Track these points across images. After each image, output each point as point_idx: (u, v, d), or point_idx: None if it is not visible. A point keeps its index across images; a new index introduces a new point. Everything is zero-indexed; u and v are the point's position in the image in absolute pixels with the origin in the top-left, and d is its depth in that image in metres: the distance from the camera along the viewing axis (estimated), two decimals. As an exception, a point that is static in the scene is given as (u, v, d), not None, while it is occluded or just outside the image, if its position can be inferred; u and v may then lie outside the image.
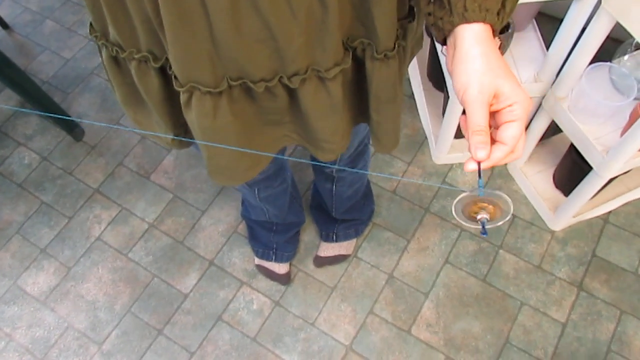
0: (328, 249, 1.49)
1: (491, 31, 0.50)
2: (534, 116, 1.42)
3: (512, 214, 1.55)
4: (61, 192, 1.65)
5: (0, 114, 1.80)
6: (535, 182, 1.55)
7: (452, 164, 1.65)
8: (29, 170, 1.69)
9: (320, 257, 1.50)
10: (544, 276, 1.47)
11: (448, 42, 0.51)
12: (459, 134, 1.54)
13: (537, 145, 1.50)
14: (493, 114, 0.51)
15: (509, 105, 0.49)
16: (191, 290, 1.48)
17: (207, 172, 0.75)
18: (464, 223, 0.56)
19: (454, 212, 0.55)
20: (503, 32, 1.25)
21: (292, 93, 0.64)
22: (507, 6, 0.50)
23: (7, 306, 1.48)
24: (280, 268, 1.47)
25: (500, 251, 1.50)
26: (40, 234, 1.58)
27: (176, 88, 0.60)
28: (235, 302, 1.46)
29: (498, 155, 0.49)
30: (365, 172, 1.21)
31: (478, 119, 0.48)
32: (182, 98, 0.61)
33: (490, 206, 0.54)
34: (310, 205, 1.56)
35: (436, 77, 1.68)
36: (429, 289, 1.46)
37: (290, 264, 1.50)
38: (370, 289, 1.47)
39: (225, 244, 1.55)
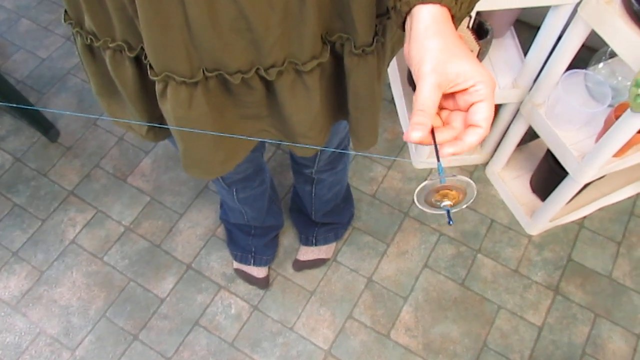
0: (307, 253, 1.48)
1: (450, 16, 0.48)
2: (511, 122, 1.44)
3: (490, 218, 1.57)
4: (35, 194, 1.61)
5: (-28, 114, 1.76)
6: (513, 187, 1.57)
7: (431, 169, 1.66)
8: (1, 172, 1.65)
9: (300, 261, 1.49)
10: (521, 280, 1.48)
11: (406, 26, 0.49)
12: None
13: (515, 150, 1.52)
14: (456, 96, 0.48)
15: (473, 86, 0.46)
16: (168, 295, 1.46)
17: (182, 166, 0.74)
18: (428, 211, 0.54)
19: (416, 202, 0.53)
20: (482, 37, 1.27)
21: (269, 85, 0.63)
22: None
23: (-25, 311, 1.43)
24: (259, 272, 1.46)
25: (479, 255, 1.52)
26: (12, 237, 1.54)
27: (151, 77, 0.59)
28: (213, 306, 1.44)
29: (474, 139, 0.47)
30: (349, 151, 1.19)
31: (424, 98, 0.45)
32: (157, 88, 0.60)
33: (453, 192, 0.52)
34: (290, 209, 1.55)
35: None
36: (408, 293, 1.46)
37: (269, 268, 1.49)
38: (349, 293, 1.46)
39: (203, 247, 1.53)
